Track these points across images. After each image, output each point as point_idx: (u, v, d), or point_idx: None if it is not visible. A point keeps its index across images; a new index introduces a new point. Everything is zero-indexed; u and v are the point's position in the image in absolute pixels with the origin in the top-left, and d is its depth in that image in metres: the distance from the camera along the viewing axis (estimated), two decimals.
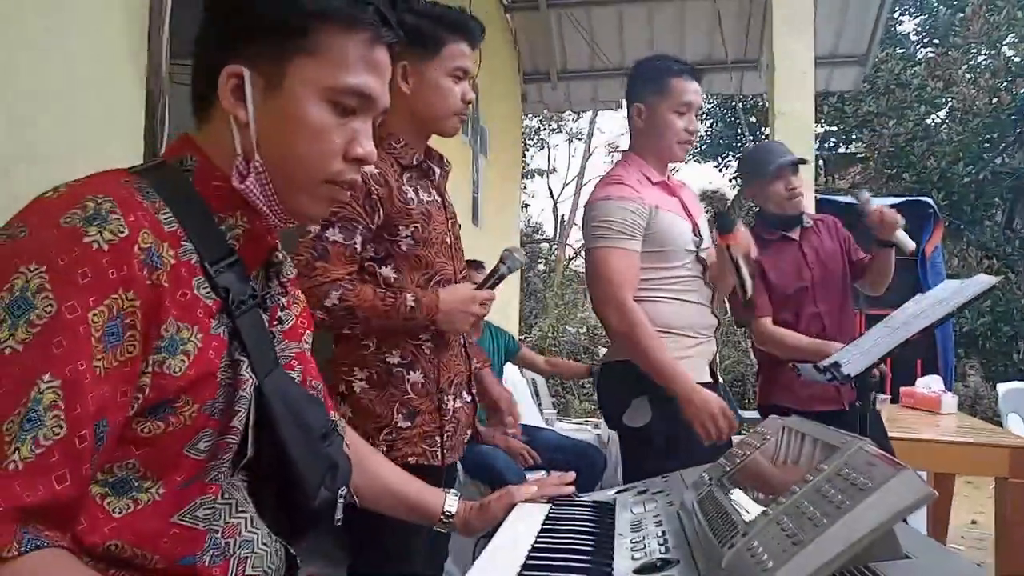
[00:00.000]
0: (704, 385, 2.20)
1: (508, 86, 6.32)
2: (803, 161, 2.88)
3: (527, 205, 15.77)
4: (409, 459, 1.74)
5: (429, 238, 1.79)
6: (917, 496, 0.72)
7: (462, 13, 1.85)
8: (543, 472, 3.52)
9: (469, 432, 1.94)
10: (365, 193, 1.71)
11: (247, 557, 0.97)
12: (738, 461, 1.15)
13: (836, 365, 2.06)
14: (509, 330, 4.78)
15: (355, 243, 1.72)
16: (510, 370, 4.60)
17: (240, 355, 0.93)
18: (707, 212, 2.51)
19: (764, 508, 0.86)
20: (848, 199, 9.02)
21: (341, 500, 1.05)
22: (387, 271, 1.76)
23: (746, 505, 0.93)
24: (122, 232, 0.83)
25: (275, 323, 1.05)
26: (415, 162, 1.83)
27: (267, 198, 0.96)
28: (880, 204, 2.73)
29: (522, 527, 1.24)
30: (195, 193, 0.95)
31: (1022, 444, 3.16)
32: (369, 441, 1.52)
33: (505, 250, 1.90)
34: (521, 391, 4.69)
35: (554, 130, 16.15)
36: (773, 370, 2.88)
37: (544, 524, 1.26)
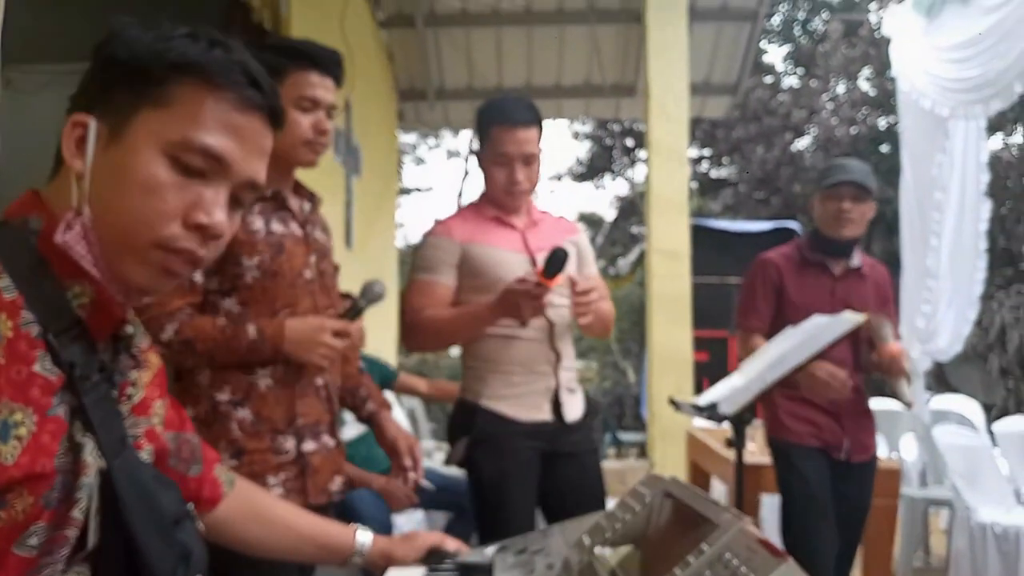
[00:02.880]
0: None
1: (383, 104, 6.16)
2: (859, 185, 2.72)
3: (401, 224, 15.51)
4: None
5: (280, 271, 1.72)
6: None
7: (313, 43, 1.80)
8: (421, 513, 3.40)
9: (338, 478, 1.83)
10: None
11: None
12: (617, 526, 1.14)
13: (712, 404, 2.03)
14: (386, 354, 4.60)
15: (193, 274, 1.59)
16: (389, 399, 4.44)
17: (84, 436, 0.82)
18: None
19: None
20: (721, 224, 9.31)
21: None
22: (229, 303, 1.70)
23: None
24: None
25: (124, 399, 0.93)
26: (268, 194, 1.74)
27: (94, 258, 0.84)
28: (896, 345, 2.58)
29: None
30: (39, 257, 0.84)
31: (886, 466, 3.26)
32: None
33: (365, 282, 1.83)
34: (398, 421, 4.53)
35: (433, 147, 15.95)
36: (775, 401, 2.72)
37: None
